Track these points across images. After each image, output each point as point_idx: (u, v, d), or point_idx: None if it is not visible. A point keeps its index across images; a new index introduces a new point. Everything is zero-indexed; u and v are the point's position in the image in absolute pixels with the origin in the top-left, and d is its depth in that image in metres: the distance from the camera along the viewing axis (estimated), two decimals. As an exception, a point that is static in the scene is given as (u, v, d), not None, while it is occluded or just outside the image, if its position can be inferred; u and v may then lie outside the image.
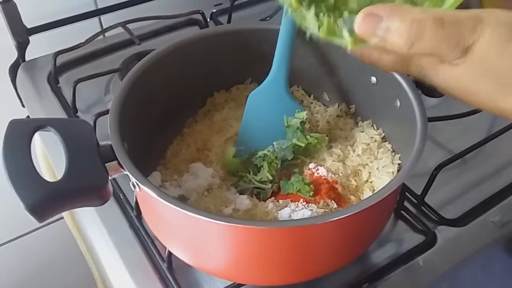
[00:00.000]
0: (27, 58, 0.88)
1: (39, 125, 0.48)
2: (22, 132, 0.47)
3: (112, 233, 0.64)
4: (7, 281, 1.22)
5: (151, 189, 0.46)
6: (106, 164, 0.48)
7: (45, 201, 0.44)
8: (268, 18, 0.93)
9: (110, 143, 0.49)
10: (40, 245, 1.18)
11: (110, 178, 0.48)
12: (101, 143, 0.49)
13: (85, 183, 0.46)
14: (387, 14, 0.36)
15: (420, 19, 0.36)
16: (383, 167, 0.59)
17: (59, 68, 0.85)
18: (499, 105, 0.38)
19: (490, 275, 0.64)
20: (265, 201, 0.56)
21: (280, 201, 0.55)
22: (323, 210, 0.54)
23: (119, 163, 0.48)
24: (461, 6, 0.39)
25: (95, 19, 0.94)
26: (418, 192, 0.67)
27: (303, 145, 0.59)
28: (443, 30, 0.35)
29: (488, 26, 0.35)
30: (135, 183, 0.49)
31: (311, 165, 0.59)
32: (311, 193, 0.55)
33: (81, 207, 0.47)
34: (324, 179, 0.58)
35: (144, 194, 0.49)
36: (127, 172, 0.48)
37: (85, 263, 0.83)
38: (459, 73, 0.37)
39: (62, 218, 0.95)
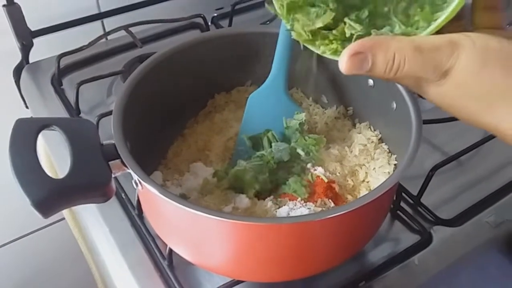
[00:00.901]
0: (31, 60, 0.89)
1: (45, 124, 0.50)
2: (28, 130, 0.49)
3: (114, 232, 0.65)
4: (7, 282, 1.23)
5: (153, 187, 0.47)
6: (110, 162, 0.49)
7: (50, 197, 0.45)
8: (268, 22, 0.95)
9: (113, 142, 0.50)
10: (41, 246, 1.19)
11: (113, 176, 0.49)
12: (104, 142, 0.50)
13: (89, 180, 0.47)
14: (369, 49, 0.39)
15: (400, 48, 0.39)
16: (379, 167, 0.61)
17: (63, 70, 0.86)
18: (480, 121, 0.41)
19: (485, 275, 0.65)
20: (264, 199, 0.57)
21: (279, 199, 0.57)
22: (320, 208, 0.55)
23: (122, 162, 0.49)
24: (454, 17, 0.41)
25: (98, 22, 0.95)
26: (415, 193, 0.68)
27: (302, 153, 0.60)
28: (422, 56, 0.38)
29: (464, 51, 0.38)
30: (137, 181, 0.50)
31: (309, 165, 0.60)
32: (306, 195, 0.57)
33: (85, 203, 0.48)
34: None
35: (146, 191, 0.50)
36: (129, 170, 0.49)
37: (85, 263, 0.83)
38: (442, 92, 0.40)
39: (63, 218, 0.96)
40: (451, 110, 0.42)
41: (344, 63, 0.40)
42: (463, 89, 0.39)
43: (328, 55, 0.46)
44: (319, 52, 0.47)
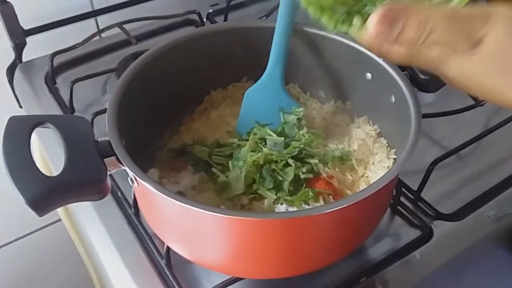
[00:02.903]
0: (24, 59, 0.88)
1: (38, 121, 0.49)
2: (21, 128, 0.48)
3: (111, 231, 0.64)
4: (4, 284, 1.22)
5: (149, 183, 0.46)
6: (105, 159, 0.48)
7: (45, 195, 0.44)
8: (264, 18, 0.94)
9: (108, 139, 0.49)
10: (37, 248, 1.18)
11: (108, 173, 0.48)
12: (99, 139, 0.50)
13: (84, 177, 0.46)
14: (401, 12, 0.37)
15: (433, 12, 0.37)
16: (378, 161, 0.60)
17: (56, 68, 0.85)
18: (506, 98, 0.39)
19: (486, 269, 0.65)
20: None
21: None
22: (319, 203, 0.54)
23: (117, 158, 0.48)
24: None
25: (92, 20, 0.94)
26: (415, 188, 0.67)
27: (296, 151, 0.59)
28: (455, 22, 0.37)
29: (499, 20, 0.37)
30: (133, 178, 0.49)
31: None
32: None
33: (80, 201, 0.48)
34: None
35: (142, 188, 0.49)
36: (125, 167, 0.48)
37: (82, 265, 0.83)
38: (470, 64, 0.39)
39: (59, 220, 0.95)
40: (474, 86, 0.40)
41: (372, 28, 0.38)
42: (494, 61, 0.38)
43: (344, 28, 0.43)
44: (332, 24, 0.43)
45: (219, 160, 0.59)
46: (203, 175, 0.59)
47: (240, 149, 0.59)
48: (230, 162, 0.58)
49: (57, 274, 1.24)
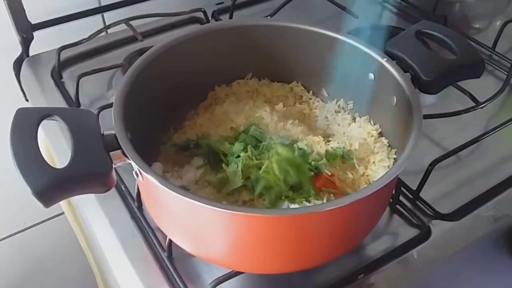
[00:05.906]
0: (31, 53, 0.89)
1: (46, 113, 0.50)
2: (29, 120, 0.49)
3: (114, 224, 0.65)
4: (6, 277, 1.23)
5: (154, 177, 0.47)
6: (110, 153, 0.49)
7: (51, 186, 0.45)
8: (268, 17, 0.95)
9: (114, 132, 0.50)
10: (40, 240, 1.19)
11: (114, 166, 0.49)
12: (105, 132, 0.50)
13: (90, 169, 0.47)
14: None
15: None
16: (379, 161, 0.61)
17: (63, 63, 0.86)
18: None
19: (483, 269, 0.65)
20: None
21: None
22: (320, 201, 0.55)
23: (122, 152, 0.49)
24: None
25: (98, 15, 0.95)
26: (414, 187, 0.68)
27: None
28: None
29: None
30: (137, 172, 0.50)
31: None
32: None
33: (86, 193, 0.48)
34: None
35: (146, 182, 0.50)
36: (130, 161, 0.49)
37: (84, 258, 0.84)
38: None
39: (62, 213, 0.96)
40: None
41: None
42: None
43: None
44: None
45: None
46: (206, 168, 0.60)
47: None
48: (227, 157, 0.59)
49: (58, 267, 1.24)
